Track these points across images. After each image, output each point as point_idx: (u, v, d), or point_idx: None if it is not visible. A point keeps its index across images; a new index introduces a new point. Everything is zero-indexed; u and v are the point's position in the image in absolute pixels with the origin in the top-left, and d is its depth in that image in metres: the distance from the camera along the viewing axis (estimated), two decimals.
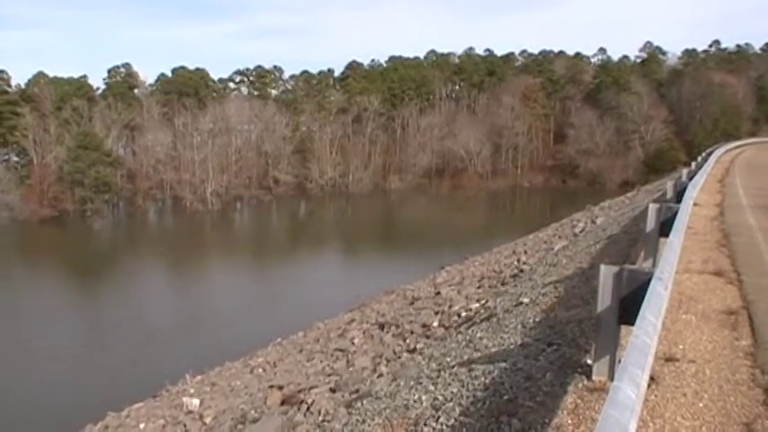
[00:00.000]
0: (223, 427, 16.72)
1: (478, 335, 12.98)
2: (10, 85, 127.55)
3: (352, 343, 23.12)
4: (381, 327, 24.26)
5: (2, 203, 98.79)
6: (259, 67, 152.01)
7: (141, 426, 20.05)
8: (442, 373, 10.29)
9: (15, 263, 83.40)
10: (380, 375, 15.34)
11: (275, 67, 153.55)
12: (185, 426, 18.57)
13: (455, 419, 7.88)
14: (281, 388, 18.67)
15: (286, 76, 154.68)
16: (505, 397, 7.99)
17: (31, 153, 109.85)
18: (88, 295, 67.72)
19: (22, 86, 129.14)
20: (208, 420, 18.35)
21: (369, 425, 8.98)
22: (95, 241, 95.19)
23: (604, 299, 7.41)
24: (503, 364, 9.27)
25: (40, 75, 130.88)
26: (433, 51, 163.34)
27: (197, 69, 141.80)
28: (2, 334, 54.07)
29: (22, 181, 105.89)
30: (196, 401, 20.76)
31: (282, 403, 16.64)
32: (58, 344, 51.06)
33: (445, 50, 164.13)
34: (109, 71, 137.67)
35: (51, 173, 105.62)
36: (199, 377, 26.13)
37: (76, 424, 23.79)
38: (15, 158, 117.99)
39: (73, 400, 38.39)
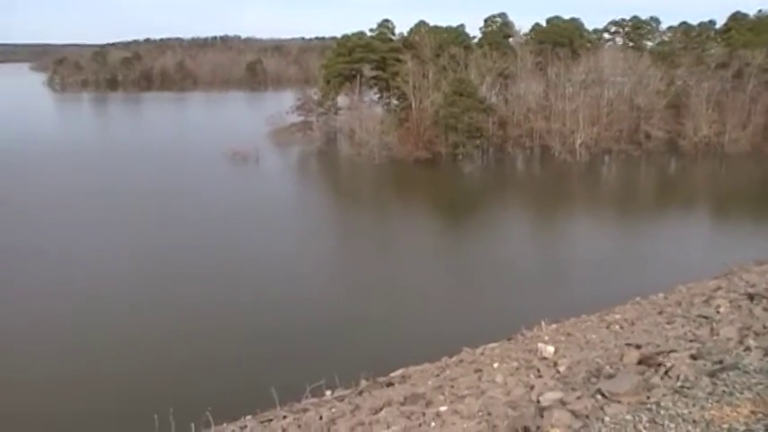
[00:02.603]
0: (576, 377, 16.53)
1: None
2: (394, 34, 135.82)
3: (717, 311, 21.82)
4: (750, 298, 22.64)
5: (382, 143, 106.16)
6: (635, 17, 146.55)
7: (495, 365, 20.42)
8: None
9: (391, 199, 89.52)
10: (748, 349, 14.37)
11: (651, 17, 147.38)
12: (538, 371, 18.62)
13: None
14: (638, 347, 18.12)
15: (663, 27, 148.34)
16: None
17: (410, 97, 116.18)
18: (456, 235, 70.70)
19: (405, 35, 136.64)
20: (561, 369, 18.25)
21: (737, 398, 8.50)
22: (464, 184, 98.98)
23: None
24: None
25: (421, 24, 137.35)
26: None
27: (571, 19, 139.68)
28: (379, 266, 58.57)
29: (401, 123, 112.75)
30: (551, 348, 20.76)
31: (639, 363, 16.17)
32: (426, 278, 54.28)
33: None
34: (485, 20, 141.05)
35: (427, 117, 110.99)
36: (554, 325, 26.18)
37: (433, 354, 24.99)
38: (395, 102, 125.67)
39: (435, 331, 40.78)
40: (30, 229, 65.95)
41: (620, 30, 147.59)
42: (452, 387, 18.27)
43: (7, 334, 42.62)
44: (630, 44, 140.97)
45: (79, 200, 78.11)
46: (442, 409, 16.05)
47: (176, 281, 53.07)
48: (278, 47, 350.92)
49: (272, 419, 18.62)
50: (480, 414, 14.98)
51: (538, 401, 14.64)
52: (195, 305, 47.87)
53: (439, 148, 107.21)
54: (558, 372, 17.79)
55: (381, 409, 17.11)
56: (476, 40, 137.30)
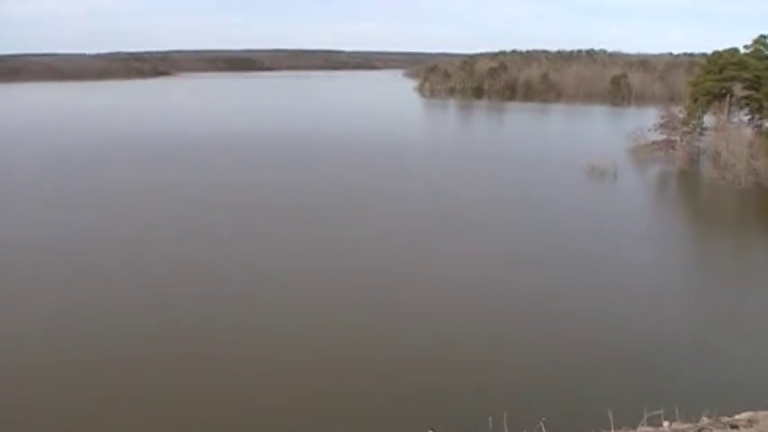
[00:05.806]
0: None
1: None
2: None
3: None
4: None
5: (749, 168, 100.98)
6: None
7: None
8: None
9: (755, 229, 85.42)
10: None
11: None
12: None
13: None
14: None
15: None
16: None
17: None
18: None
19: None
20: None
21: None
22: None
23: None
24: None
25: None
26: None
27: None
28: (735, 300, 56.11)
29: None
30: None
31: None
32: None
33: None
34: None
35: None
36: None
37: None
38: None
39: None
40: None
41: None
42: None
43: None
44: None
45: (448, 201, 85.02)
46: None
47: (531, 286, 56.23)
48: (643, 62, 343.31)
49: None
50: None
51: None
52: (538, 309, 50.60)
53: None
54: None
55: None
56: None
